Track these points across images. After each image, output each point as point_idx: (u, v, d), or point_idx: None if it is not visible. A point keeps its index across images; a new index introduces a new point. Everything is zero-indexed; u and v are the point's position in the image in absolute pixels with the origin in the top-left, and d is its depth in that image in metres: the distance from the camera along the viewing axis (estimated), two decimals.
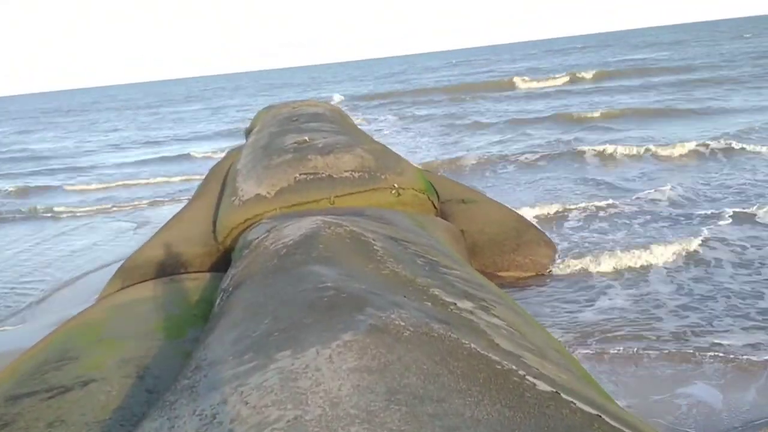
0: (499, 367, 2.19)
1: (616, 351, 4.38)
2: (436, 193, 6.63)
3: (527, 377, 2.17)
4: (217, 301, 3.63)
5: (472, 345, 2.35)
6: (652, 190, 8.53)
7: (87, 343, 3.68)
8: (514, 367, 2.25)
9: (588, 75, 30.97)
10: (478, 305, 3.14)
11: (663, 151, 11.22)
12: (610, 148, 11.57)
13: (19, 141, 30.58)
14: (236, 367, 2.07)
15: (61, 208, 11.50)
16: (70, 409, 2.80)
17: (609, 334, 4.62)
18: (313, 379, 1.85)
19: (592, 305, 5.22)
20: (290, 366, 1.95)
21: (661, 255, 6.18)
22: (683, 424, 3.57)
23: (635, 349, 4.36)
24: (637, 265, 6.05)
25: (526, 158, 11.75)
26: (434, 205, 6.39)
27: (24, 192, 14.27)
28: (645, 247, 6.36)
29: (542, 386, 2.13)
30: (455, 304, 3.00)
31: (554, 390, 2.13)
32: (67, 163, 19.39)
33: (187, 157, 17.83)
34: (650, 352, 4.32)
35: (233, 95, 57.74)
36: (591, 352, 4.41)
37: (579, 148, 12.12)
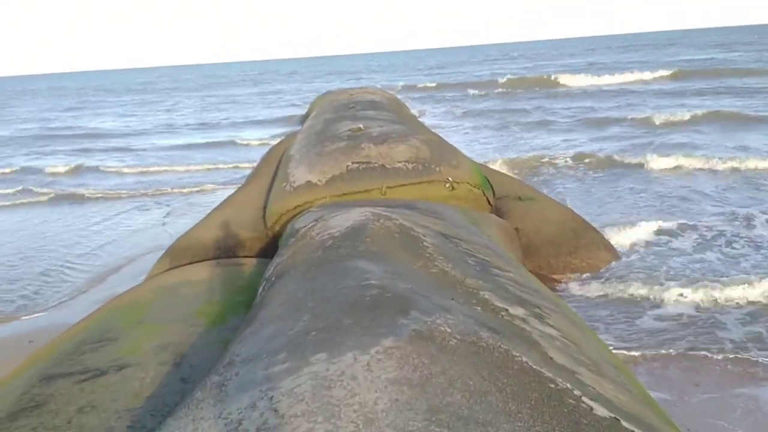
0: (552, 385, 2.00)
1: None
2: (492, 188, 6.40)
3: (583, 399, 1.97)
4: (260, 289, 3.53)
5: (524, 358, 2.16)
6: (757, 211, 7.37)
7: (128, 325, 3.64)
8: (569, 386, 2.06)
9: (665, 73, 28.57)
10: (531, 312, 2.94)
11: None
12: (698, 161, 10.18)
13: (79, 118, 31.29)
14: (269, 368, 1.95)
15: (100, 192, 11.60)
16: (102, 394, 2.74)
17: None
18: (348, 388, 1.70)
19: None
20: (325, 371, 1.81)
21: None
22: None
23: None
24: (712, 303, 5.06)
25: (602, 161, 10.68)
26: (489, 202, 6.17)
27: (77, 171, 14.47)
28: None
29: (600, 410, 1.93)
30: (507, 310, 2.81)
31: (613, 416, 1.93)
32: (123, 143, 19.63)
33: (233, 144, 17.69)
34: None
35: (287, 80, 58.16)
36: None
37: (661, 155, 10.67)
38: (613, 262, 5.99)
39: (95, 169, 14.58)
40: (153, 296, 4.05)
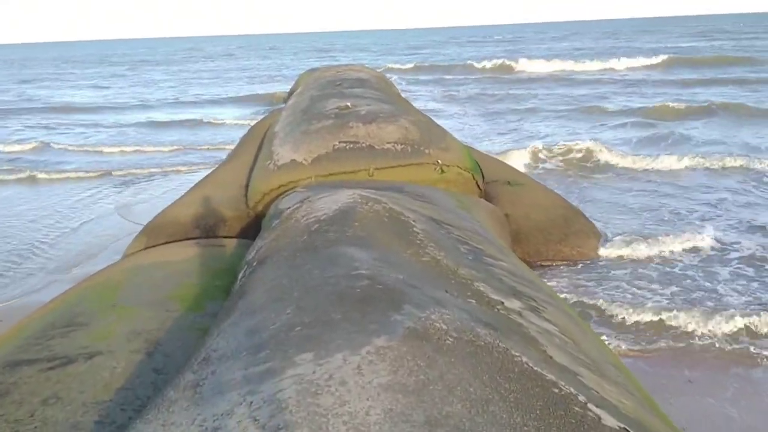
0: (556, 390, 1.84)
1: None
2: (482, 172, 6.24)
3: (590, 406, 1.82)
4: (240, 274, 3.34)
5: (524, 358, 2.01)
6: None
7: (100, 308, 3.44)
8: (573, 390, 1.91)
9: (656, 60, 26.57)
10: (527, 306, 2.79)
11: None
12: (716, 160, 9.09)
13: (42, 90, 30.15)
14: (249, 367, 1.77)
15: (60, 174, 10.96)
16: (69, 385, 2.55)
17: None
18: (337, 395, 1.53)
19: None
20: (311, 374, 1.64)
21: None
22: None
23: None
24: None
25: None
26: (479, 186, 6.01)
27: (39, 150, 13.63)
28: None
29: (608, 420, 1.78)
30: (502, 303, 2.65)
31: (621, 426, 1.79)
32: (91, 119, 18.80)
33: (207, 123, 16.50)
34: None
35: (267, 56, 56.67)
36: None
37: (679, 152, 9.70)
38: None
39: (58, 148, 13.63)
40: (127, 277, 3.85)
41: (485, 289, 2.78)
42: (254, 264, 3.22)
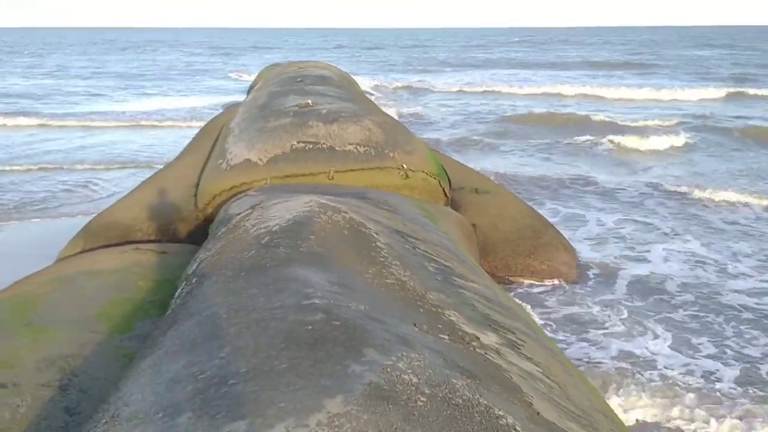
0: None
1: None
2: (448, 178, 5.89)
3: None
4: (178, 291, 2.92)
5: (509, 419, 1.65)
6: None
7: (12, 327, 2.97)
8: None
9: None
10: (504, 340, 2.43)
11: None
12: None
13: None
14: None
15: None
16: None
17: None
18: None
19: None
20: None
21: None
22: None
23: None
24: None
25: None
26: (445, 193, 5.66)
27: None
28: None
29: None
30: (478, 338, 2.29)
31: None
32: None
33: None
34: None
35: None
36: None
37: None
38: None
39: None
40: (47, 290, 3.38)
41: (458, 320, 2.42)
42: (193, 281, 2.80)
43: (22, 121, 14.93)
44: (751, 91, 20.23)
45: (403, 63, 37.86)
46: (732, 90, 20.40)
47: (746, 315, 4.77)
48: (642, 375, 3.91)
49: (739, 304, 4.94)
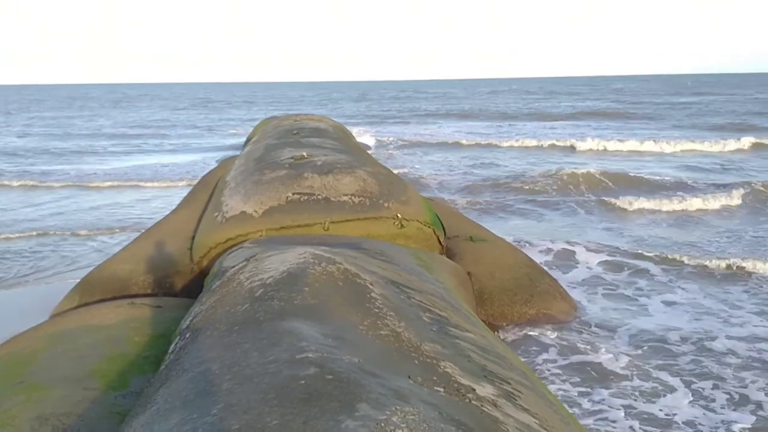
0: None
1: None
2: (443, 227, 5.93)
3: None
4: (171, 346, 2.91)
5: None
6: None
7: (5, 384, 2.95)
8: None
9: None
10: (501, 391, 2.42)
11: None
12: None
13: None
14: None
15: None
16: None
17: None
18: None
19: None
20: None
21: None
22: None
23: None
24: None
25: None
26: (440, 242, 5.69)
27: None
28: None
29: None
30: (474, 390, 2.28)
31: None
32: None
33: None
34: None
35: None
36: None
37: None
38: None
39: None
40: (42, 347, 3.36)
41: (453, 371, 2.41)
42: (187, 336, 2.79)
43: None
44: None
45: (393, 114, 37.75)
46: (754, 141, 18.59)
47: None
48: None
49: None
